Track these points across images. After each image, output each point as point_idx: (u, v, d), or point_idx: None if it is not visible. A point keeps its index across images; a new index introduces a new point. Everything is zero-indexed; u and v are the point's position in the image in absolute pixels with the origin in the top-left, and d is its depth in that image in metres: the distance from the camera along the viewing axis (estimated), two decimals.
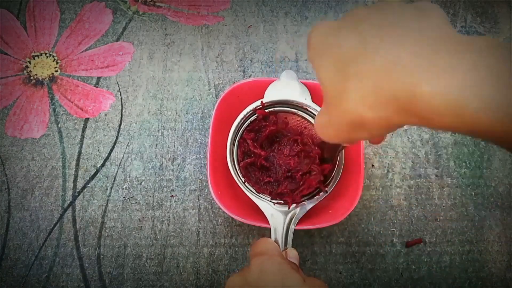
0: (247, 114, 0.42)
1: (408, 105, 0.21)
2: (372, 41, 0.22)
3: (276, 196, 0.41)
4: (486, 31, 0.54)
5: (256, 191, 0.41)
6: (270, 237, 0.38)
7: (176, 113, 0.50)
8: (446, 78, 0.19)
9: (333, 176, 0.41)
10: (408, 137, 0.50)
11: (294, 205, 0.39)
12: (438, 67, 0.20)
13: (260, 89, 0.43)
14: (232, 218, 0.46)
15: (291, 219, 0.39)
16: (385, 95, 0.21)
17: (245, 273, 0.31)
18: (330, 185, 0.41)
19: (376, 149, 0.48)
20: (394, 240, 0.46)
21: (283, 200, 0.40)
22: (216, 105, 0.43)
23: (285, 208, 0.39)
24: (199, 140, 0.49)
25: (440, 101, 0.19)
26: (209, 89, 0.51)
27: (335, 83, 0.23)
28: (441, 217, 0.46)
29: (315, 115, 0.42)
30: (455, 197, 0.47)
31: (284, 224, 0.38)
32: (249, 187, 0.41)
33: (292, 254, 0.36)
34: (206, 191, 0.47)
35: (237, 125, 0.42)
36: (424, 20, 0.22)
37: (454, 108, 0.19)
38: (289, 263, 0.33)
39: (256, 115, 0.43)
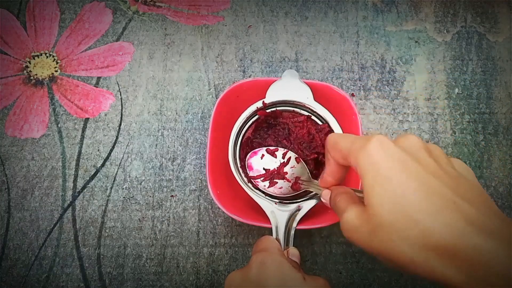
0: (249, 114, 0.42)
1: (472, 266, 0.22)
2: None
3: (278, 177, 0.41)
4: (486, 31, 0.54)
5: (258, 190, 0.41)
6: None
7: (176, 113, 0.50)
8: None
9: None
10: None
11: (296, 205, 0.39)
12: (505, 237, 0.22)
13: (260, 88, 0.43)
14: (232, 218, 0.46)
15: (292, 218, 0.39)
16: (453, 253, 0.23)
17: (245, 270, 0.31)
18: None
19: None
20: None
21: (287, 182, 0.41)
22: (216, 105, 0.43)
23: (287, 207, 0.39)
24: (199, 140, 0.49)
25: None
26: (209, 89, 0.51)
27: (395, 214, 0.24)
28: None
29: (317, 113, 0.42)
30: None
31: (285, 223, 0.38)
32: (251, 186, 0.41)
33: (293, 252, 0.36)
34: (206, 191, 0.47)
35: (239, 126, 0.42)
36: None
37: None
38: (290, 261, 0.33)
39: (258, 115, 0.43)
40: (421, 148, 0.26)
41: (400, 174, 0.24)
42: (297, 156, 0.42)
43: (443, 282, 0.23)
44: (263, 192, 0.41)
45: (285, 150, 0.42)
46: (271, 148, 0.42)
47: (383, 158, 0.25)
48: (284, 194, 0.41)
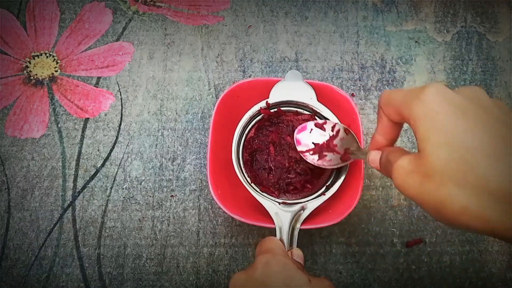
0: (252, 114, 0.42)
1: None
2: None
3: (285, 186, 0.41)
4: (486, 31, 0.54)
5: (261, 190, 0.41)
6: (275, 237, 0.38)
7: (176, 113, 0.50)
8: None
9: (335, 179, 0.42)
10: (408, 137, 0.50)
11: (300, 205, 0.40)
12: None
13: (260, 88, 0.43)
14: (232, 218, 0.46)
15: (296, 219, 0.39)
16: (495, 190, 0.22)
17: (249, 271, 0.31)
18: (332, 188, 0.41)
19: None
20: (394, 240, 0.46)
21: (291, 190, 0.41)
22: (216, 104, 0.43)
23: (290, 208, 0.39)
24: (199, 140, 0.49)
25: None
26: (209, 89, 0.51)
27: (450, 161, 0.23)
28: None
29: (320, 114, 0.42)
30: None
31: (289, 224, 0.38)
32: (254, 186, 0.41)
33: (297, 254, 0.36)
34: (206, 191, 0.47)
35: (242, 126, 0.42)
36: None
37: None
38: (294, 262, 0.33)
39: (262, 115, 0.43)
40: (485, 97, 0.25)
41: (459, 120, 0.23)
42: (346, 127, 0.40)
43: (497, 233, 0.22)
44: (267, 193, 0.41)
45: (334, 122, 0.41)
46: (320, 121, 0.41)
47: (440, 105, 0.24)
48: (333, 165, 0.40)
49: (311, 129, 0.41)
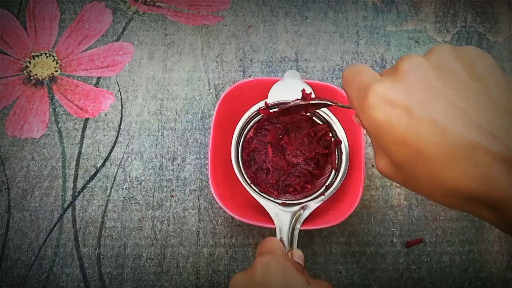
0: (251, 114, 0.42)
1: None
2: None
3: (284, 187, 0.42)
4: (486, 31, 0.54)
5: (260, 191, 0.41)
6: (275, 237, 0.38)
7: (176, 113, 0.50)
8: None
9: (334, 179, 0.41)
10: None
11: (300, 206, 0.40)
12: None
13: (261, 88, 0.43)
14: (232, 218, 0.46)
15: (296, 219, 0.39)
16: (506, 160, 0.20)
17: (249, 272, 0.31)
18: (332, 188, 0.41)
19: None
20: (394, 240, 0.46)
21: (290, 191, 0.41)
22: (217, 104, 0.43)
23: (290, 208, 0.39)
24: (199, 140, 0.49)
25: None
26: (209, 89, 0.51)
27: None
28: (441, 217, 0.46)
29: (319, 114, 0.42)
30: None
31: (289, 224, 0.38)
32: (254, 187, 0.41)
33: (298, 254, 0.36)
34: (206, 191, 0.47)
35: (241, 126, 0.42)
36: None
37: None
38: (294, 263, 0.33)
39: (261, 115, 0.43)
40: (450, 57, 0.23)
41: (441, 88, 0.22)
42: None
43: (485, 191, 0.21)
44: (266, 194, 0.41)
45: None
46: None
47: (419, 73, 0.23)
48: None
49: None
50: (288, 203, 0.40)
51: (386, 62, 0.52)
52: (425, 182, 0.22)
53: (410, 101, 0.22)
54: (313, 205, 0.40)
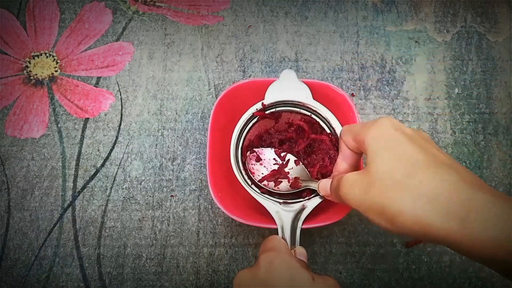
0: (249, 116, 0.42)
1: (466, 214, 0.24)
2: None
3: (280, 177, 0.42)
4: (486, 31, 0.54)
5: (260, 191, 0.41)
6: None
7: (176, 113, 0.50)
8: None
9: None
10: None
11: (300, 204, 0.40)
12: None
13: (258, 89, 0.43)
14: (232, 218, 0.46)
15: (297, 217, 0.39)
16: (447, 202, 0.25)
17: (254, 269, 0.31)
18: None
19: None
20: (394, 240, 0.46)
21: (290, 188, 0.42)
22: (214, 106, 0.43)
23: (291, 207, 0.39)
24: (199, 140, 0.49)
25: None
26: (209, 89, 0.51)
27: (394, 169, 0.27)
28: None
29: (317, 112, 0.42)
30: None
31: (290, 223, 0.38)
32: (254, 188, 0.41)
33: (301, 252, 0.36)
34: (206, 191, 0.47)
35: (239, 128, 0.42)
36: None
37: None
38: (298, 260, 0.33)
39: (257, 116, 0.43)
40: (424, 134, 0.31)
41: (405, 143, 0.28)
42: (296, 158, 0.42)
43: (430, 233, 0.25)
44: (267, 193, 0.41)
45: (285, 153, 0.43)
46: (276, 150, 0.43)
47: (390, 130, 0.29)
48: (282, 191, 0.42)
49: (258, 158, 0.43)
50: (289, 202, 0.40)
51: (386, 62, 0.52)
52: (398, 182, 0.27)
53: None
54: (314, 203, 0.40)
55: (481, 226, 0.23)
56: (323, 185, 0.36)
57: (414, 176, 0.26)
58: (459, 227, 0.24)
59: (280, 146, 0.44)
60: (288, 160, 0.42)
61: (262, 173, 0.42)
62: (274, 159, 0.43)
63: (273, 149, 0.43)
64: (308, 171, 0.42)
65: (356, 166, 0.35)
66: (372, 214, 0.28)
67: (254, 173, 0.42)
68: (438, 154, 0.28)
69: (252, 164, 0.43)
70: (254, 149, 0.43)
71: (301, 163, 0.42)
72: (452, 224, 0.24)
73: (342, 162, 0.35)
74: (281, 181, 0.42)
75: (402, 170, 0.26)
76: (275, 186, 0.42)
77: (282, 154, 0.42)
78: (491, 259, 0.24)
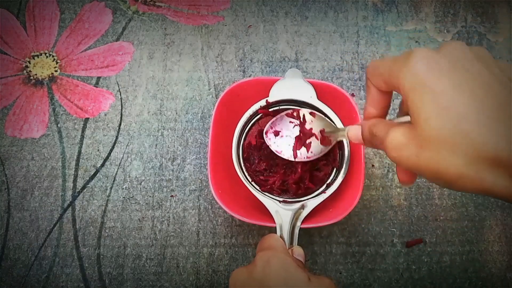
0: (252, 113, 0.42)
1: (509, 166, 0.22)
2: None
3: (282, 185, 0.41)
4: (486, 31, 0.54)
5: (261, 189, 0.41)
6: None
7: (176, 113, 0.50)
8: None
9: (335, 177, 0.41)
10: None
11: (300, 204, 0.40)
12: None
13: (260, 88, 0.43)
14: (232, 218, 0.46)
15: (296, 217, 0.39)
16: (507, 164, 0.22)
17: (250, 268, 0.31)
18: (333, 186, 0.41)
19: (376, 149, 0.48)
20: (394, 240, 0.46)
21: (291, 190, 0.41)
22: (216, 104, 0.42)
23: (291, 206, 0.39)
24: (199, 140, 0.49)
25: None
26: (209, 89, 0.51)
27: (445, 128, 0.23)
28: (441, 217, 0.46)
29: (321, 112, 0.42)
30: (455, 197, 0.47)
31: (289, 222, 0.38)
32: (255, 185, 0.41)
33: (298, 252, 0.36)
34: (206, 191, 0.47)
35: (242, 125, 0.42)
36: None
37: None
38: (295, 260, 0.33)
39: (261, 114, 0.43)
40: (468, 55, 0.25)
41: (448, 87, 0.23)
42: (310, 110, 0.40)
43: (493, 193, 0.23)
44: (267, 191, 0.41)
45: (296, 109, 0.40)
46: (288, 111, 0.40)
47: (428, 72, 0.24)
48: (317, 154, 0.39)
49: (275, 127, 0.40)
50: (289, 201, 0.40)
51: None
52: (449, 143, 0.23)
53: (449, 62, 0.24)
54: (314, 203, 0.40)
55: None
56: (354, 134, 0.32)
57: (467, 136, 0.22)
58: None
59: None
60: (304, 115, 0.39)
61: (289, 144, 0.39)
62: (290, 122, 0.40)
63: (284, 113, 0.40)
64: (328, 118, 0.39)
65: (387, 108, 0.31)
66: (429, 177, 0.25)
67: (280, 151, 0.40)
68: (485, 93, 0.23)
69: (274, 143, 0.40)
70: (267, 126, 0.40)
71: (317, 113, 0.40)
72: None
73: (370, 108, 0.30)
74: (311, 142, 0.38)
75: (452, 130, 0.23)
76: (308, 151, 0.39)
77: (295, 114, 0.40)
78: None
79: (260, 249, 0.34)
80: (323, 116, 0.39)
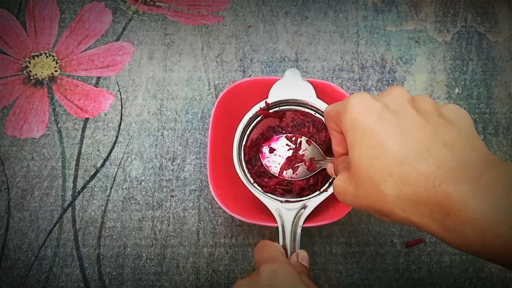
0: (253, 115, 0.42)
1: (445, 215, 0.22)
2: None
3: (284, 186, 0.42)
4: (486, 31, 0.54)
5: (263, 190, 0.41)
6: (277, 236, 0.38)
7: (176, 113, 0.50)
8: (491, 196, 0.20)
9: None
10: None
11: (301, 203, 0.40)
12: (482, 183, 0.21)
13: (259, 88, 0.43)
14: (232, 218, 0.46)
15: (298, 217, 0.39)
16: (426, 203, 0.22)
17: (254, 279, 0.31)
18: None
19: None
20: (394, 240, 0.46)
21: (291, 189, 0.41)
22: (215, 104, 0.43)
23: (292, 206, 0.39)
24: (199, 140, 0.49)
25: (483, 218, 0.20)
26: (209, 89, 0.51)
27: (371, 167, 0.24)
28: None
29: (321, 111, 0.42)
30: None
31: (292, 222, 0.38)
32: (256, 186, 0.41)
33: (304, 256, 0.35)
34: (206, 191, 0.47)
35: (243, 127, 0.42)
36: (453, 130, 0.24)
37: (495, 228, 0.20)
38: (299, 266, 0.33)
39: (261, 115, 0.43)
40: (403, 99, 0.26)
41: (376, 128, 0.24)
42: (307, 138, 0.42)
43: (422, 229, 0.23)
44: (269, 192, 0.41)
45: (296, 135, 0.42)
46: (288, 135, 0.42)
47: (362, 115, 0.25)
48: (301, 177, 0.41)
49: (271, 148, 0.42)
50: (291, 201, 0.40)
51: (386, 62, 0.52)
52: (376, 182, 0.24)
53: (383, 105, 0.26)
54: (315, 202, 0.40)
55: (461, 228, 0.21)
56: (330, 170, 0.34)
57: (390, 176, 0.23)
58: (444, 229, 0.22)
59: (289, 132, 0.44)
60: (300, 141, 0.42)
61: (279, 163, 0.41)
62: (286, 144, 0.42)
63: (284, 135, 0.42)
64: (321, 150, 0.41)
65: None
66: (372, 213, 0.26)
67: (270, 166, 0.42)
68: (410, 133, 0.24)
69: (267, 158, 0.42)
70: (265, 142, 0.43)
71: (313, 142, 0.41)
72: (438, 227, 0.22)
73: (336, 148, 0.32)
74: (298, 167, 0.41)
75: (377, 169, 0.24)
76: (293, 173, 0.41)
77: (293, 139, 0.42)
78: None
79: (260, 258, 0.34)
80: (318, 147, 0.41)
